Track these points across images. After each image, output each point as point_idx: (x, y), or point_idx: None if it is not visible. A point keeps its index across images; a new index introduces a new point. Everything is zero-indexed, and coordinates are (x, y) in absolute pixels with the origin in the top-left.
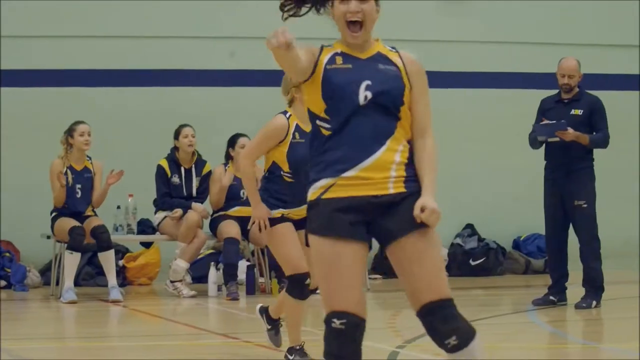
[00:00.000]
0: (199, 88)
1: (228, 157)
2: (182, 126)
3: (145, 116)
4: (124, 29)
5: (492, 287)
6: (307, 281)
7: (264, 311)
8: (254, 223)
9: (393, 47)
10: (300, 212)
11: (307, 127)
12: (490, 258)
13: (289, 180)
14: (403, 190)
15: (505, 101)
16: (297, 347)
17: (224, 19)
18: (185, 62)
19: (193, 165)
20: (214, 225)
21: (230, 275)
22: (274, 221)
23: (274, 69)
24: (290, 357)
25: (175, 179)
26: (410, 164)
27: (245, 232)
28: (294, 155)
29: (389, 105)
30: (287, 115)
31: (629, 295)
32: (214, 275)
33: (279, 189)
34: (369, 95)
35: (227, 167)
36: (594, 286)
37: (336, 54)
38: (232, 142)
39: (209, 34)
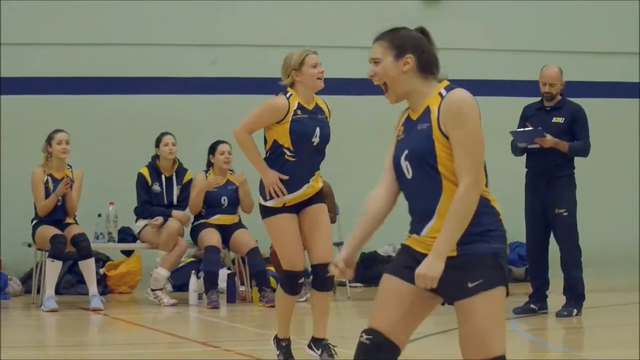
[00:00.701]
0: (181, 96)
1: (209, 164)
2: (163, 134)
3: (127, 124)
4: (106, 37)
5: None
6: (301, 280)
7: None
8: (269, 191)
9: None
10: (301, 196)
11: (310, 105)
12: None
13: (291, 159)
14: None
15: (487, 109)
16: (283, 344)
17: (205, 26)
18: (167, 70)
19: (174, 173)
20: (194, 234)
21: (210, 283)
22: (275, 211)
23: (255, 77)
24: (277, 352)
25: (156, 187)
26: None
27: (226, 241)
28: (297, 129)
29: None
30: (288, 95)
31: (610, 303)
32: (195, 283)
33: (281, 172)
34: None
35: (207, 174)
36: (575, 294)
37: None
38: (213, 148)
39: (190, 42)
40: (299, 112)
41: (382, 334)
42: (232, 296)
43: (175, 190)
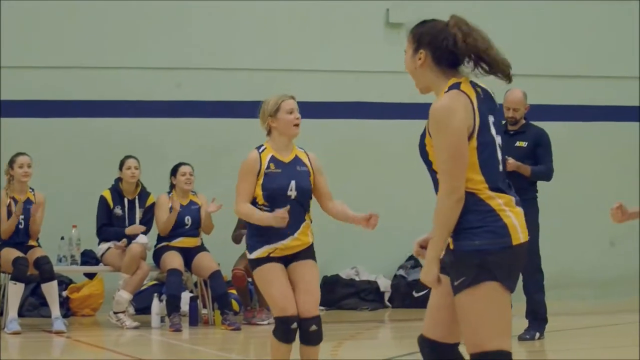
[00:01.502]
0: (146, 119)
1: (172, 186)
2: (126, 157)
3: (91, 147)
4: (70, 60)
5: None
6: (294, 325)
7: None
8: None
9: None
10: (286, 247)
11: (287, 158)
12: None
13: (267, 211)
14: None
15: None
16: None
17: (170, 49)
18: (132, 93)
19: (137, 197)
20: (157, 257)
21: (173, 306)
22: (260, 261)
23: (220, 100)
24: None
25: (118, 210)
26: None
27: (188, 264)
28: (269, 185)
29: None
30: (261, 149)
31: (573, 326)
32: (157, 306)
33: (259, 226)
34: None
35: (170, 196)
36: (538, 318)
37: None
38: (174, 170)
39: (155, 65)
40: (272, 166)
41: (430, 339)
42: (194, 319)
43: (138, 214)
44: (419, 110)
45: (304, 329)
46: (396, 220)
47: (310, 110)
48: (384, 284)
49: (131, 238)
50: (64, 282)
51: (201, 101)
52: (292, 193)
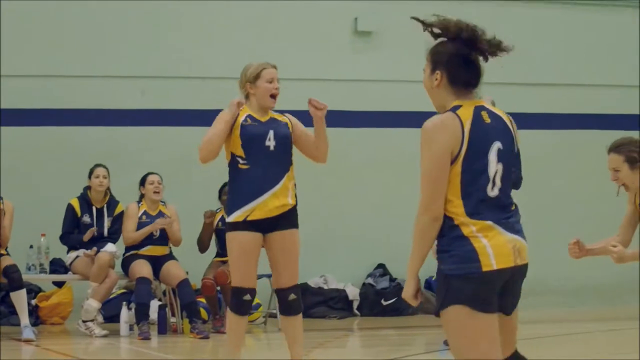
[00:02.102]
0: (112, 127)
1: (141, 196)
2: (95, 166)
3: (59, 155)
4: (34, 69)
5: (404, 327)
6: (246, 297)
7: None
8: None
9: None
10: (266, 206)
11: (262, 118)
12: (402, 298)
13: (245, 167)
14: None
15: (416, 140)
16: None
17: (134, 58)
18: (97, 102)
19: (105, 205)
20: (126, 265)
21: (141, 314)
22: (237, 226)
23: (185, 108)
24: None
25: (86, 219)
26: None
27: (156, 272)
28: (247, 133)
29: None
30: (240, 108)
31: (545, 334)
32: (126, 314)
33: (239, 184)
34: None
35: (140, 205)
36: None
37: None
38: (143, 180)
39: (119, 73)
40: (248, 120)
41: None
42: (163, 327)
43: (106, 222)
44: (385, 119)
45: (282, 299)
46: (364, 229)
47: None
48: (353, 293)
49: (100, 246)
50: (33, 291)
51: (165, 109)
52: (271, 143)
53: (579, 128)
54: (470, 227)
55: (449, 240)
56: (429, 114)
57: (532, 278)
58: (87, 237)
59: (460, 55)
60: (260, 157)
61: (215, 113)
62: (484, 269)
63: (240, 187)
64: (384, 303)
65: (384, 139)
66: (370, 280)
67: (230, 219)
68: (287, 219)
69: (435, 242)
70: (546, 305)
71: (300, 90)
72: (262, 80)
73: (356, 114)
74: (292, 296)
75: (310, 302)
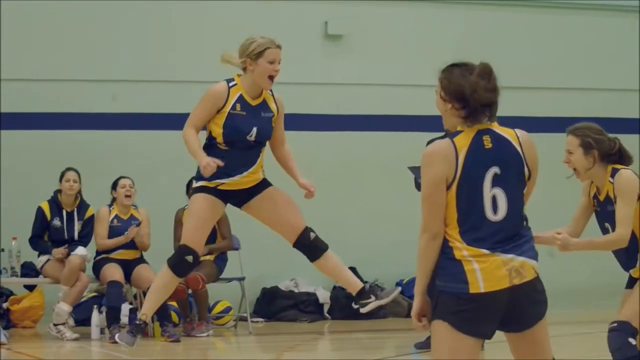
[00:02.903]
0: (82, 131)
1: (113, 200)
2: (66, 170)
3: (31, 159)
4: (8, 72)
5: (374, 330)
6: (189, 257)
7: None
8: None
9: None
10: (236, 183)
11: (254, 100)
12: None
13: (224, 148)
14: None
15: (389, 143)
16: (141, 322)
17: (105, 62)
18: (68, 106)
19: (75, 209)
20: (97, 269)
21: (113, 318)
22: (203, 189)
23: (156, 112)
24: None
25: (57, 222)
26: None
27: (127, 275)
28: (231, 126)
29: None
30: (231, 84)
31: None
32: (97, 318)
33: (214, 157)
34: None
35: (111, 209)
36: None
37: None
38: (114, 184)
39: (90, 77)
40: (238, 106)
41: None
42: None
43: (77, 226)
44: (356, 122)
45: (306, 242)
46: (335, 232)
47: None
48: (323, 296)
49: (71, 250)
50: (5, 294)
51: (136, 113)
52: (252, 138)
53: None
54: (463, 252)
55: (444, 259)
56: (398, 117)
57: None
58: (57, 253)
59: (469, 89)
60: (239, 146)
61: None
62: (471, 290)
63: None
64: (355, 306)
65: (354, 142)
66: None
67: (198, 183)
68: (261, 185)
69: None
70: None
71: None
72: (264, 60)
73: (326, 117)
74: (313, 234)
75: (280, 306)
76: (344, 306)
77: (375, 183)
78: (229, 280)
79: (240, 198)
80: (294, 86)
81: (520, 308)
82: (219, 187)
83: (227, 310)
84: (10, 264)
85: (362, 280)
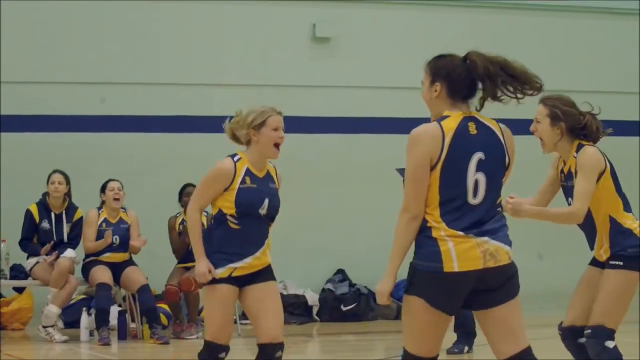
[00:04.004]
0: (71, 134)
1: (102, 202)
2: (53, 172)
3: (20, 161)
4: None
5: (363, 332)
6: (222, 355)
7: None
8: (196, 282)
9: None
10: (249, 265)
11: (261, 172)
12: (362, 303)
13: (235, 227)
14: None
15: (373, 146)
16: None
17: (94, 64)
18: (57, 108)
19: (64, 211)
20: (86, 271)
21: (101, 320)
22: (218, 280)
23: (143, 115)
24: None
25: (45, 224)
26: None
27: (117, 278)
28: (244, 200)
29: None
30: (236, 158)
31: None
32: (86, 320)
33: (225, 239)
34: None
35: (100, 211)
36: (466, 331)
37: None
38: (103, 187)
39: (79, 80)
40: (247, 180)
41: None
42: (123, 333)
43: (65, 228)
44: (343, 125)
45: (269, 354)
46: (324, 234)
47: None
48: (312, 298)
49: (60, 252)
50: None
51: (125, 115)
52: (264, 211)
53: None
54: (440, 232)
55: (421, 238)
56: (387, 120)
57: None
58: (44, 251)
59: (458, 69)
60: (251, 221)
61: (175, 119)
62: (446, 269)
63: (226, 243)
64: (344, 308)
65: (342, 144)
66: (329, 286)
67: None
68: (267, 273)
69: None
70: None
71: (258, 95)
72: (267, 128)
73: (314, 120)
74: (279, 354)
75: None
76: (333, 308)
77: (363, 186)
78: None
79: (246, 281)
80: (281, 88)
81: (489, 287)
82: (233, 275)
83: None
84: None
85: (350, 283)
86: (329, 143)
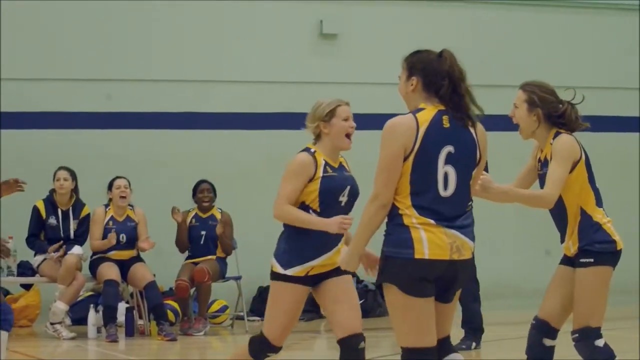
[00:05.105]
0: (77, 130)
1: (110, 200)
2: (59, 168)
3: (27, 158)
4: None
5: (371, 328)
6: (271, 354)
7: None
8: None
9: None
10: (327, 264)
11: (335, 164)
12: (369, 300)
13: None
14: None
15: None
16: None
17: (100, 61)
18: (62, 105)
19: (71, 208)
20: (93, 268)
21: (109, 317)
22: (292, 278)
23: (150, 111)
24: None
25: (52, 221)
26: None
27: (124, 274)
28: (328, 187)
29: None
30: (311, 151)
31: (509, 336)
32: (94, 317)
33: (305, 236)
34: None
35: (107, 209)
36: (473, 327)
37: None
38: (110, 185)
39: (85, 77)
40: (328, 169)
41: None
42: (130, 330)
43: (72, 224)
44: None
45: (352, 346)
46: None
47: (243, 121)
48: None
49: (67, 249)
50: (1, 293)
51: (131, 112)
52: (344, 199)
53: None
54: (412, 219)
55: (392, 226)
56: (392, 116)
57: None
58: (52, 249)
59: (434, 64)
60: (333, 213)
61: (183, 115)
62: (417, 256)
63: (306, 240)
64: None
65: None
66: None
67: (288, 271)
68: (338, 268)
69: None
70: (509, 307)
71: (265, 92)
72: (337, 119)
73: None
74: (363, 345)
75: None
76: None
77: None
78: (226, 279)
79: (322, 278)
80: (288, 85)
81: (452, 283)
82: (310, 274)
83: (224, 309)
84: (6, 263)
85: (358, 279)
86: None
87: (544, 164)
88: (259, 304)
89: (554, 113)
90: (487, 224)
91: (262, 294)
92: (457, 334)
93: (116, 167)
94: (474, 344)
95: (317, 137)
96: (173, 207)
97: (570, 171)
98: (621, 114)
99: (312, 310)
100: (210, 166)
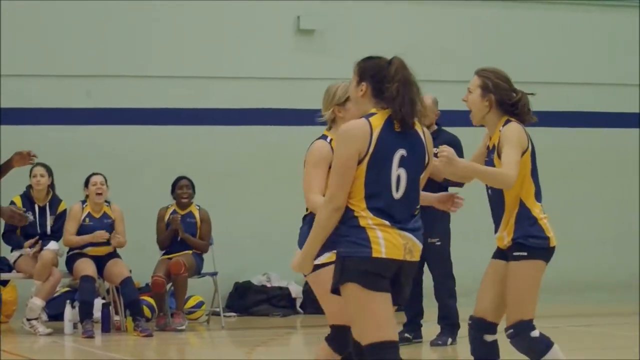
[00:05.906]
0: (56, 126)
1: (86, 197)
2: (35, 165)
3: (4, 154)
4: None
5: None
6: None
7: None
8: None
9: None
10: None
11: None
12: None
13: None
14: None
15: None
16: None
17: (79, 57)
18: (42, 101)
19: (47, 203)
20: (70, 263)
21: (85, 313)
22: (324, 264)
23: (130, 107)
24: None
25: (29, 216)
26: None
27: (100, 270)
28: None
29: None
30: (329, 139)
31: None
32: (70, 313)
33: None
34: None
35: (84, 205)
36: (450, 323)
37: None
38: (87, 181)
39: (65, 73)
40: None
41: None
42: (106, 326)
43: (49, 220)
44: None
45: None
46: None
47: (224, 117)
48: (296, 290)
49: (43, 244)
50: None
51: (111, 108)
52: None
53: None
54: (367, 220)
55: (347, 228)
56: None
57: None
58: (28, 244)
59: (383, 71)
60: None
61: (160, 112)
62: (374, 254)
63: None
64: None
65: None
66: None
67: (317, 261)
68: None
69: None
70: None
71: (241, 88)
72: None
73: (298, 112)
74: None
75: (253, 300)
76: (316, 301)
77: None
78: (202, 275)
79: None
80: (265, 81)
81: (404, 284)
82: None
83: (200, 305)
84: None
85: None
86: (313, 135)
87: (491, 151)
88: (235, 300)
89: (507, 101)
90: (461, 218)
91: (238, 290)
92: (433, 330)
93: (97, 163)
94: (450, 340)
95: (332, 122)
96: (173, 217)
97: None
98: (621, 111)
99: (288, 306)
100: (194, 163)
